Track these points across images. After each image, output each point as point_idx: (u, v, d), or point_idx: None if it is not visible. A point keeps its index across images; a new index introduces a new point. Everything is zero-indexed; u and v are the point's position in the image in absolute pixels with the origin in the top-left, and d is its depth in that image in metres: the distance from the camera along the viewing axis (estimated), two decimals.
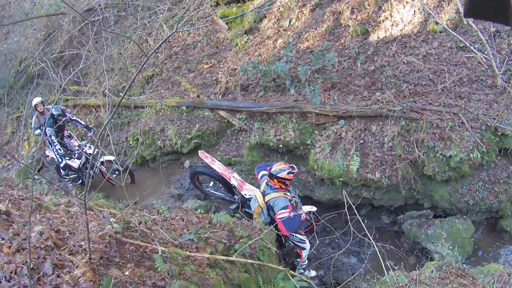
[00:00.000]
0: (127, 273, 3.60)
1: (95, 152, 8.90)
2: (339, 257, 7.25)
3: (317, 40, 9.28)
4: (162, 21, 10.93)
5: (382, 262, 5.35)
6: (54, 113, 8.86)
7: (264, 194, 6.37)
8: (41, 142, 10.76)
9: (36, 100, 9.17)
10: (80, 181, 9.73)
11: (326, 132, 8.17)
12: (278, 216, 6.02)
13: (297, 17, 9.81)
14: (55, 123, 8.77)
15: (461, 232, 7.63)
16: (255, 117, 8.75)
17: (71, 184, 9.93)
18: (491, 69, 8.45)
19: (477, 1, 1.27)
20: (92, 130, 9.46)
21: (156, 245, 4.15)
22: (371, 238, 5.44)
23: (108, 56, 11.56)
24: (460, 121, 7.77)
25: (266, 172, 6.54)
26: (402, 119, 7.83)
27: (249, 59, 9.37)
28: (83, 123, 9.54)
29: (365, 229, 5.62)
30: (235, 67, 9.56)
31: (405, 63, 8.56)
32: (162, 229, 4.80)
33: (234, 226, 5.79)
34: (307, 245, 6.86)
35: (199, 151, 8.15)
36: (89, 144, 9.28)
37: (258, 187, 7.10)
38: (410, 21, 9.00)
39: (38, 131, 9.37)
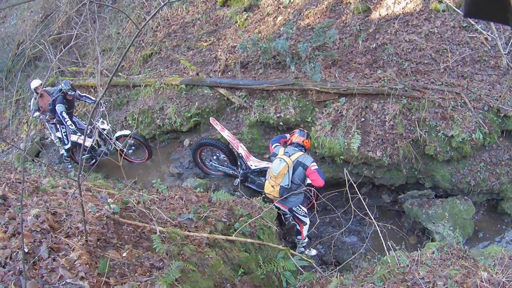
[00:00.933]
0: (124, 254, 3.60)
1: (108, 127, 8.91)
2: (339, 236, 7.20)
3: (318, 17, 9.15)
4: None
5: (383, 242, 5.29)
6: (64, 87, 8.55)
7: (289, 155, 6.38)
8: (40, 124, 10.69)
9: (36, 83, 9.07)
10: (94, 160, 9.43)
11: (327, 109, 8.07)
12: (313, 167, 6.17)
13: None
14: (64, 99, 8.59)
15: (462, 213, 7.62)
16: (255, 95, 8.64)
17: (70, 166, 9.82)
18: (494, 50, 8.38)
19: (478, 1, 1.26)
20: (103, 104, 9.22)
21: (155, 225, 4.15)
22: (372, 217, 5.40)
23: (106, 36, 11.46)
24: (463, 101, 7.70)
25: (279, 144, 6.73)
26: (403, 97, 7.73)
27: (249, 36, 9.25)
28: (93, 98, 9.32)
29: (366, 208, 5.58)
30: (235, 44, 9.43)
31: (407, 41, 8.45)
32: (160, 208, 4.82)
33: (233, 204, 5.80)
34: (308, 220, 6.93)
35: (210, 118, 8.22)
36: (101, 119, 8.95)
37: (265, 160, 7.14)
38: None
39: (37, 113, 9.21)
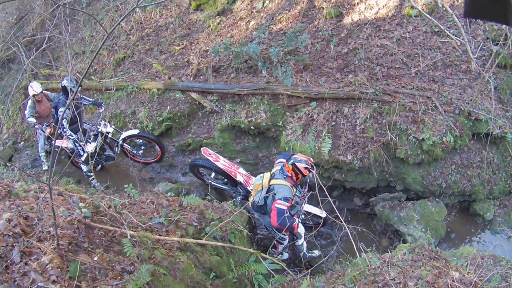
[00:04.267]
0: (95, 258, 3.58)
1: (112, 130, 8.26)
2: (311, 239, 7.19)
3: (290, 22, 9.18)
4: (134, 2, 10.69)
5: (354, 244, 5.31)
6: (67, 85, 7.19)
7: (272, 177, 6.10)
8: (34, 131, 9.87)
9: (37, 88, 8.13)
10: (100, 166, 8.95)
11: (298, 114, 8.10)
12: (276, 205, 5.66)
13: None
14: (67, 99, 7.31)
15: (433, 214, 7.65)
16: (227, 99, 8.64)
17: (98, 184, 8.42)
18: (466, 54, 8.46)
19: (478, 1, 1.27)
20: (103, 104, 8.28)
21: (125, 229, 4.13)
22: (342, 220, 5.41)
23: (80, 39, 11.36)
24: (434, 104, 7.76)
25: (282, 161, 6.27)
26: (374, 101, 7.79)
27: (221, 40, 9.24)
28: (90, 99, 8.25)
29: (337, 211, 5.58)
30: (207, 48, 9.42)
31: (379, 46, 8.50)
32: (131, 213, 4.79)
33: (204, 208, 5.77)
34: (286, 242, 6.74)
35: (201, 148, 7.53)
36: (103, 121, 8.17)
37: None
38: (385, 4, 8.96)
39: (33, 119, 8.31)
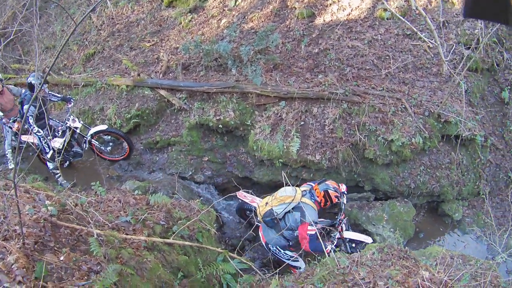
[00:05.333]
0: (62, 258, 3.55)
1: (80, 125, 8.01)
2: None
3: (262, 21, 9.18)
4: None
5: (322, 243, 5.34)
6: (34, 82, 7.15)
7: (302, 194, 5.94)
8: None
9: None
10: (68, 162, 8.72)
11: (267, 113, 8.09)
12: (308, 232, 5.66)
13: None
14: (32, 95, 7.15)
15: (402, 214, 7.69)
16: (196, 97, 8.59)
17: (65, 181, 8.14)
18: (437, 57, 8.52)
19: (478, 2, 1.28)
20: (72, 100, 8.12)
21: (92, 228, 4.09)
22: (310, 220, 5.40)
23: (50, 33, 11.21)
24: (403, 106, 7.80)
25: (310, 183, 6.28)
26: (344, 102, 7.80)
27: (192, 38, 9.22)
28: (59, 95, 8.10)
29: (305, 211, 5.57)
30: (178, 45, 9.37)
31: (350, 47, 8.53)
32: (98, 211, 4.74)
33: (172, 207, 5.74)
34: (301, 264, 6.43)
35: (237, 193, 7.15)
36: (72, 116, 7.96)
37: None
38: (358, 6, 8.99)
39: None
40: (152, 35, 10.05)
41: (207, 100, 8.48)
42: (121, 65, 9.65)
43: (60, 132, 7.86)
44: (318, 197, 5.91)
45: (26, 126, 7.48)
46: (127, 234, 4.48)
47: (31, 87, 7.24)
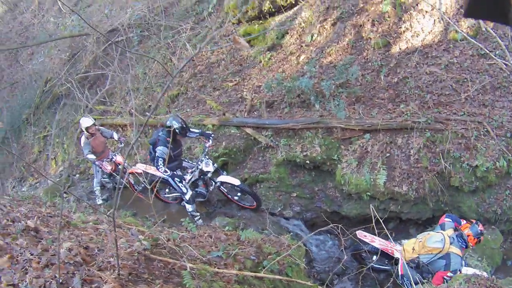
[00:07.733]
0: None
1: (213, 170, 7.83)
2: (368, 272, 7.25)
3: (340, 54, 9.34)
4: (185, 40, 11.10)
5: (411, 276, 5.47)
6: (175, 125, 6.98)
7: (450, 242, 5.89)
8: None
9: (88, 122, 8.20)
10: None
11: (352, 146, 8.26)
12: (445, 276, 5.61)
13: (319, 31, 9.87)
14: (168, 140, 6.98)
15: (489, 242, 7.55)
16: (281, 134, 8.86)
17: (200, 219, 8.25)
18: None
19: (478, 2, 1.27)
20: (211, 137, 7.87)
21: (185, 261, 4.17)
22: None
23: (133, 76, 11.75)
24: (485, 129, 7.78)
25: (451, 221, 6.27)
26: (427, 130, 7.87)
27: (273, 75, 9.49)
28: (196, 130, 7.88)
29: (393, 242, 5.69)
30: (260, 84, 9.68)
31: (428, 74, 8.58)
32: (190, 246, 4.84)
33: (262, 242, 5.82)
34: None
35: (357, 232, 7.03)
36: (206, 158, 7.82)
37: None
38: (431, 31, 9.01)
39: (92, 156, 8.33)
40: (233, 74, 10.41)
41: (292, 137, 8.74)
42: (205, 105, 10.05)
43: (189, 174, 7.79)
44: (471, 242, 5.88)
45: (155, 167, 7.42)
46: (218, 268, 4.54)
47: (170, 129, 6.91)
